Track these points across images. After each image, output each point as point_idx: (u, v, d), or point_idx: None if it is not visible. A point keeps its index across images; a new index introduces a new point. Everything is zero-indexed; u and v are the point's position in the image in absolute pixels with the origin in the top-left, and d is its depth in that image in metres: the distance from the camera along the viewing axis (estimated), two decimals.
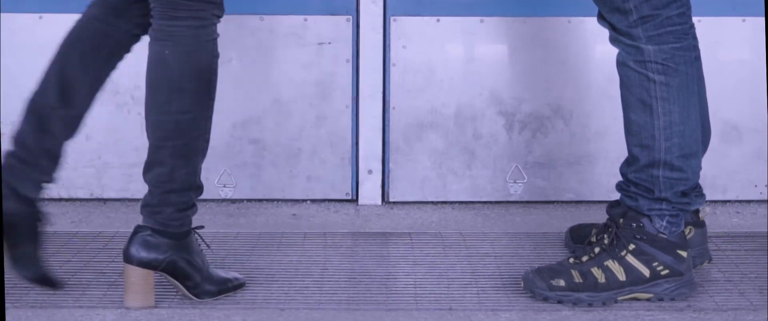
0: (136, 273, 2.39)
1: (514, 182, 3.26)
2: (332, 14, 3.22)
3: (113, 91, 3.23)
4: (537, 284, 2.47)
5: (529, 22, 3.21)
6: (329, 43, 3.22)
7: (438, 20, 3.22)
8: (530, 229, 3.04)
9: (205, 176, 3.26)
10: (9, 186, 2.36)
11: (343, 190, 3.30)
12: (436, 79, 3.24)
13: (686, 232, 2.58)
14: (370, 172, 3.28)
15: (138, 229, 2.38)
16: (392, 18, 3.21)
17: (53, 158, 2.41)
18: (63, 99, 2.39)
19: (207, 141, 2.42)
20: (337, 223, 3.11)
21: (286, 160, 3.27)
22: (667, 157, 2.45)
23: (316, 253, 2.81)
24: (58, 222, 3.09)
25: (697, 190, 2.62)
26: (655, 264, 2.47)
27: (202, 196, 3.25)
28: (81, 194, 3.28)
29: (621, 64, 2.47)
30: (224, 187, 3.28)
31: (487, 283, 2.61)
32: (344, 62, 3.23)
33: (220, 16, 2.39)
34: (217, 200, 3.30)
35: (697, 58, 2.64)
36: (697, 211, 2.66)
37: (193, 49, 2.34)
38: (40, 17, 3.20)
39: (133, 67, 3.21)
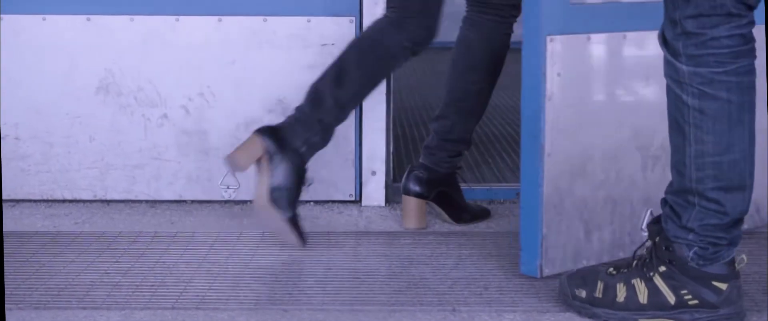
0: (411, 203, 3.01)
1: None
2: (335, 15, 3.22)
3: (117, 92, 3.23)
4: (564, 290, 2.41)
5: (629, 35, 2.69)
6: (333, 44, 3.22)
7: (588, 38, 2.62)
8: None
9: (208, 177, 3.29)
10: (281, 137, 2.81)
11: (347, 192, 3.29)
12: (589, 112, 2.64)
13: None
14: (373, 173, 3.28)
15: (412, 168, 3.03)
16: (548, 37, 2.53)
17: (325, 128, 2.85)
18: (336, 80, 2.84)
19: (483, 109, 3.03)
20: (341, 224, 3.11)
21: None
22: (699, 187, 2.25)
23: (320, 254, 2.81)
24: (61, 223, 3.09)
25: (739, 229, 2.32)
26: (684, 292, 2.30)
27: (205, 198, 3.29)
28: (84, 195, 3.28)
29: (664, 71, 2.28)
30: (228, 188, 3.28)
31: (491, 283, 2.60)
32: None
33: (516, 17, 2.95)
34: (221, 201, 3.30)
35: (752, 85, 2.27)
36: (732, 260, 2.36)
37: (491, 36, 2.97)
38: (43, 18, 3.21)
39: (136, 70, 3.23)
